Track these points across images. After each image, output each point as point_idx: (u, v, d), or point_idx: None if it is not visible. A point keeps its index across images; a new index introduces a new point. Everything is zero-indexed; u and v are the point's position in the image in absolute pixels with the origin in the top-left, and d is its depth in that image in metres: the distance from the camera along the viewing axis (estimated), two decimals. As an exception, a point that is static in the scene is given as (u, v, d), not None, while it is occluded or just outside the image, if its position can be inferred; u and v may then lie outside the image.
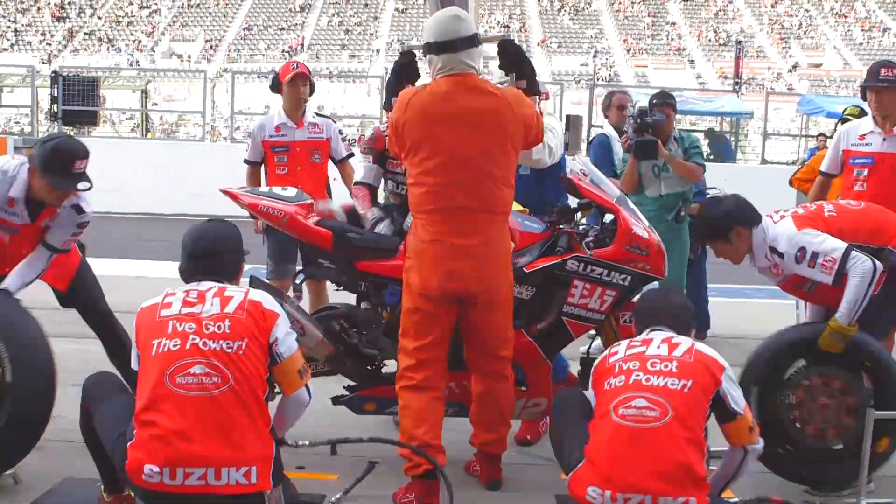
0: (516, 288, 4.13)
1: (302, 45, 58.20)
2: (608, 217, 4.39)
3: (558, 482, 4.14)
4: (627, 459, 3.20)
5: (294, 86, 6.04)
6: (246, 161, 6.22)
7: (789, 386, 4.18)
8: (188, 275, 3.41)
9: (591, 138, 8.81)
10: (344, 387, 4.52)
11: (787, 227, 4.11)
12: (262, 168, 6.18)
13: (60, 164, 4.03)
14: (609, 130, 6.97)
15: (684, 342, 3.44)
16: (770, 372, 4.20)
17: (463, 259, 3.83)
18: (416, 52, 4.22)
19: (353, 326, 4.38)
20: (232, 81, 20.07)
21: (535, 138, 4.06)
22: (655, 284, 4.44)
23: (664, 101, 6.30)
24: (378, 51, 57.66)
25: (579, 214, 4.46)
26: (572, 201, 4.50)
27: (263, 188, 4.39)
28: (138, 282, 7.91)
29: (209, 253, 3.41)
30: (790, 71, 54.87)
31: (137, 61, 53.56)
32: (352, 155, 6.37)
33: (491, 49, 4.25)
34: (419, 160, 3.86)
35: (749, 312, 8.28)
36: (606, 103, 7.18)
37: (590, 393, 3.57)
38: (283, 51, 57.04)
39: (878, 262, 3.94)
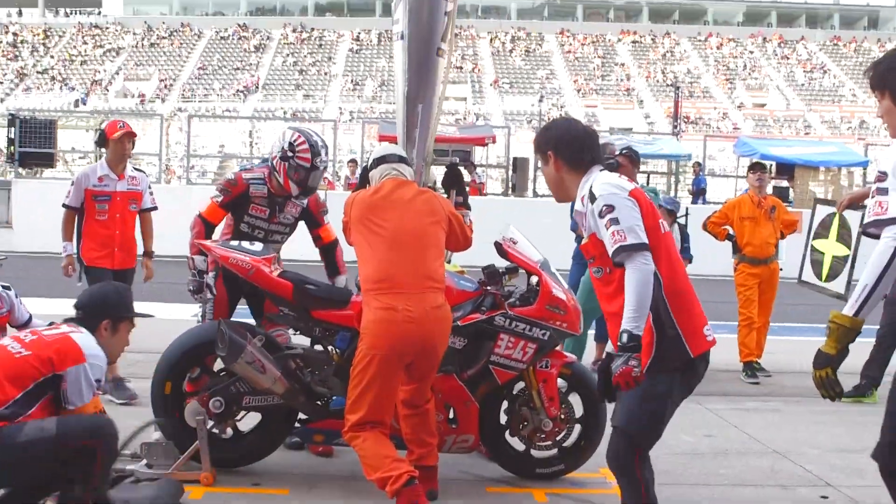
0: (451, 338, 4.68)
1: (257, 84, 58.62)
2: (533, 279, 4.99)
3: (486, 496, 4.75)
4: None
5: (121, 142, 6.62)
6: (65, 206, 6.65)
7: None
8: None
9: None
10: (298, 420, 5.05)
11: (612, 178, 3.60)
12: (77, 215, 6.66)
13: None
14: None
15: None
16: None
17: (412, 324, 4.33)
18: None
19: (307, 366, 4.92)
20: (188, 124, 20.56)
21: (461, 239, 4.69)
22: None
23: (622, 151, 6.79)
24: (331, 89, 58.33)
25: (507, 277, 5.04)
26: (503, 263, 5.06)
27: (233, 242, 4.99)
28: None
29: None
30: (738, 108, 56.50)
31: (79, 99, 53.58)
32: (155, 208, 7.02)
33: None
34: (369, 242, 4.46)
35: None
36: None
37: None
38: (237, 90, 57.32)
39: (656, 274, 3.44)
